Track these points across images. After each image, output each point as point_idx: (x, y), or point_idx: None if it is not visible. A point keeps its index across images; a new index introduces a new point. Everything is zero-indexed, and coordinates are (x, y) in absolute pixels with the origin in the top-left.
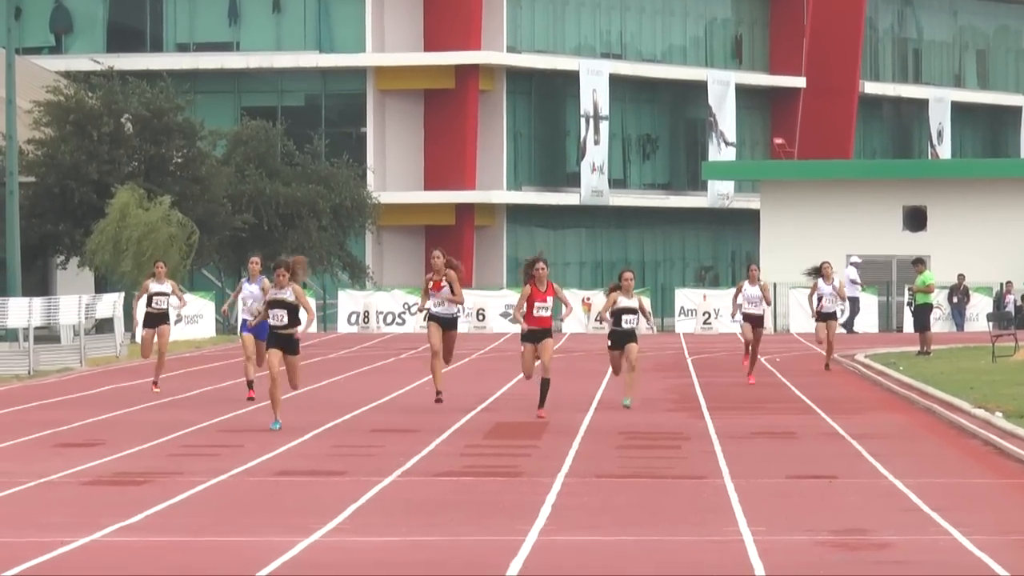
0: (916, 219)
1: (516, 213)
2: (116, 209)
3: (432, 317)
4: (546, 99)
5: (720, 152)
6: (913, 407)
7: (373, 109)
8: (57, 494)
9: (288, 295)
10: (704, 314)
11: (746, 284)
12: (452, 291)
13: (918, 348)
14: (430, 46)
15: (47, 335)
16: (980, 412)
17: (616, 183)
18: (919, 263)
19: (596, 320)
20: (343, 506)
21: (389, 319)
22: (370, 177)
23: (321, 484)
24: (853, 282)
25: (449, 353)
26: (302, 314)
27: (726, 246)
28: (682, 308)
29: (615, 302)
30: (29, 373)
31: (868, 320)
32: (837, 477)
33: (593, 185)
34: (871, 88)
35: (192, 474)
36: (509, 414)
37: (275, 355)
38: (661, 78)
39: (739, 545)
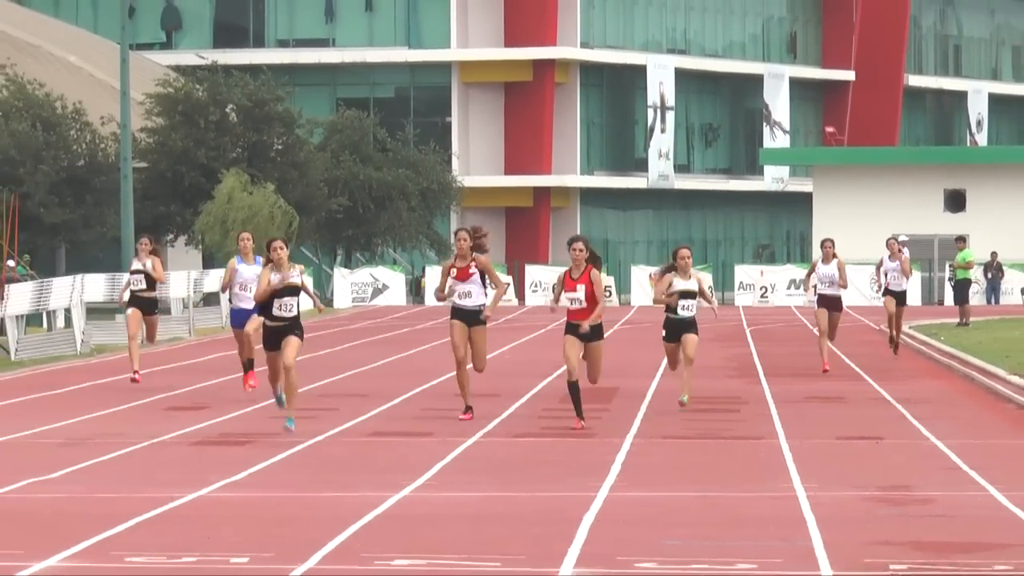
0: (956, 201)
1: (589, 196)
2: (223, 193)
3: (455, 312)
4: (616, 91)
5: (775, 140)
6: (953, 374)
7: (457, 100)
8: (168, 454)
9: (297, 278)
10: (761, 289)
11: (820, 263)
12: (485, 281)
13: (958, 320)
14: (510, 42)
15: (159, 307)
16: (1015, 379)
17: (680, 168)
18: (961, 240)
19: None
20: (430, 464)
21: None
22: (455, 163)
23: (410, 444)
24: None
25: (481, 357)
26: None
27: (781, 226)
28: (741, 283)
29: (670, 285)
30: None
31: (912, 294)
32: (883, 438)
33: (660, 170)
34: (915, 81)
35: (291, 435)
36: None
37: (278, 359)
38: (722, 72)
39: (793, 500)
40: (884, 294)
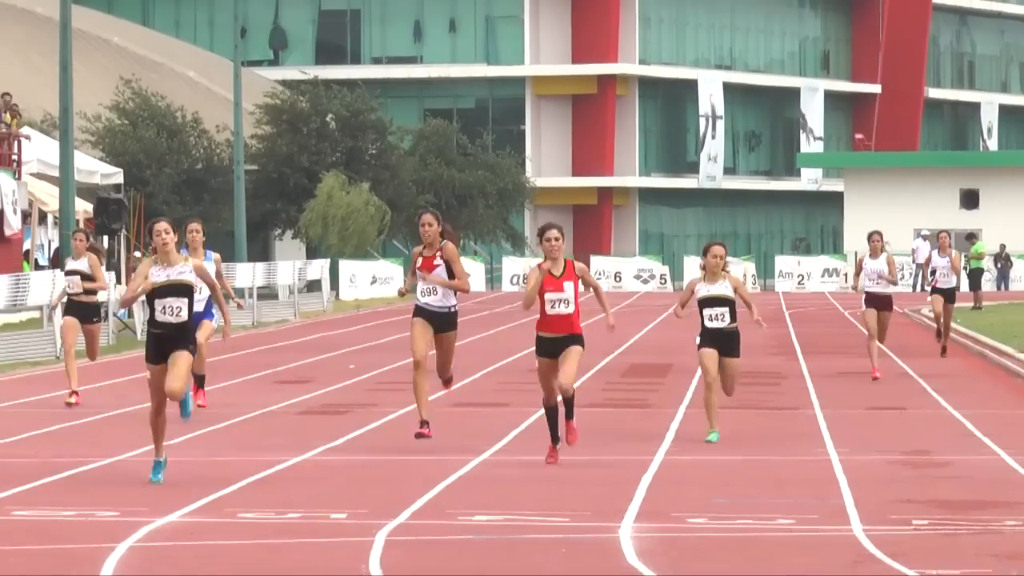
0: (970, 199)
1: (646, 194)
2: (323, 192)
3: (419, 310)
4: (671, 102)
5: (811, 145)
6: (968, 352)
7: (530, 110)
8: (276, 422)
9: (187, 272)
10: (798, 276)
11: (867, 258)
12: (451, 272)
13: (972, 304)
14: (577, 59)
15: (267, 293)
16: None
17: (727, 170)
18: (971, 237)
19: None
20: (506, 432)
21: None
22: (528, 165)
23: (489, 414)
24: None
25: (446, 365)
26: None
27: (816, 221)
28: (780, 271)
29: (693, 292)
30: (253, 324)
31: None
32: (907, 408)
33: (709, 172)
34: (934, 93)
35: (385, 405)
36: (641, 357)
37: (162, 376)
38: (764, 85)
39: (827, 463)
40: (932, 292)
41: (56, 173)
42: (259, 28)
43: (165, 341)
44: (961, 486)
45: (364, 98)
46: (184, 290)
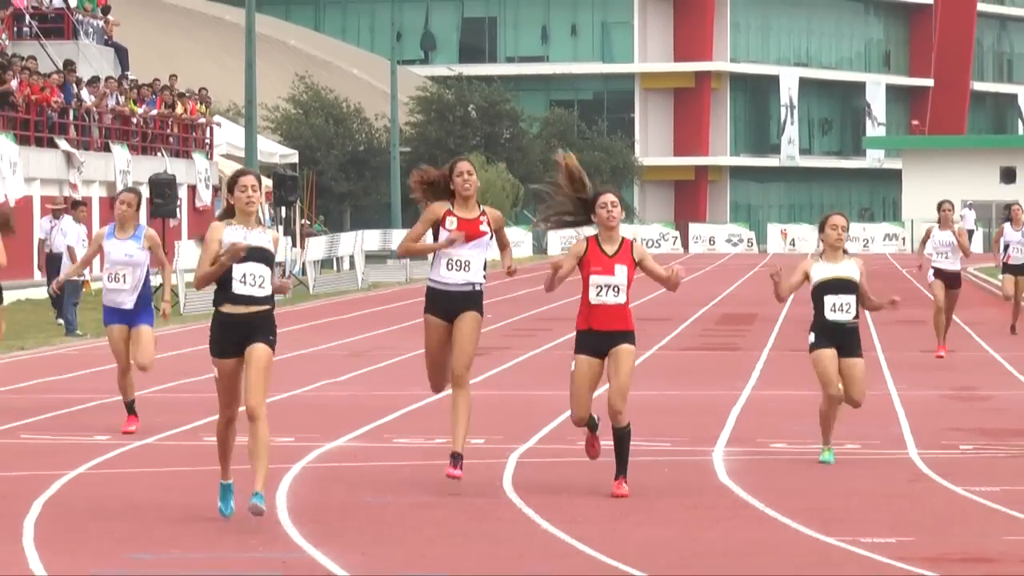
0: (1008, 175)
1: (736, 171)
2: None
3: (435, 296)
4: (756, 94)
5: (875, 130)
6: (1007, 304)
7: (639, 101)
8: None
9: (267, 241)
10: (863, 240)
11: (935, 229)
12: (500, 241)
13: None
14: (678, 58)
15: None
16: None
17: (803, 151)
18: (1008, 208)
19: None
20: None
21: (649, 244)
22: (636, 147)
23: None
24: (965, 220)
25: (464, 355)
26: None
27: (879, 194)
28: (848, 236)
29: (806, 275)
30: (406, 280)
31: (976, 246)
32: (955, 351)
33: (788, 152)
34: (978, 86)
35: (516, 348)
36: (731, 308)
37: (238, 378)
38: (835, 79)
39: (887, 397)
40: (1004, 270)
41: (241, 154)
42: (412, 33)
43: (240, 327)
44: (1001, 417)
45: (500, 91)
46: (267, 257)
